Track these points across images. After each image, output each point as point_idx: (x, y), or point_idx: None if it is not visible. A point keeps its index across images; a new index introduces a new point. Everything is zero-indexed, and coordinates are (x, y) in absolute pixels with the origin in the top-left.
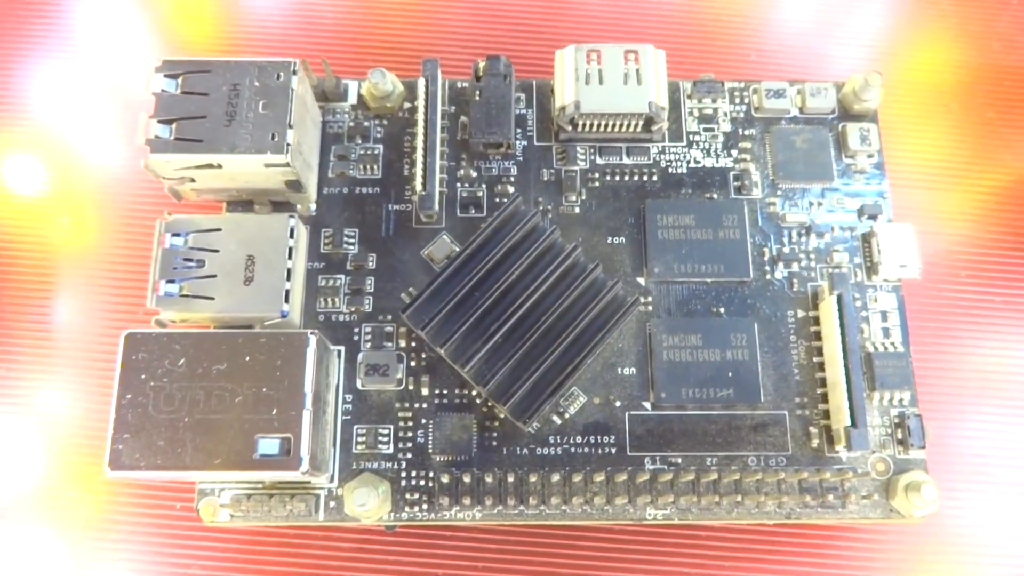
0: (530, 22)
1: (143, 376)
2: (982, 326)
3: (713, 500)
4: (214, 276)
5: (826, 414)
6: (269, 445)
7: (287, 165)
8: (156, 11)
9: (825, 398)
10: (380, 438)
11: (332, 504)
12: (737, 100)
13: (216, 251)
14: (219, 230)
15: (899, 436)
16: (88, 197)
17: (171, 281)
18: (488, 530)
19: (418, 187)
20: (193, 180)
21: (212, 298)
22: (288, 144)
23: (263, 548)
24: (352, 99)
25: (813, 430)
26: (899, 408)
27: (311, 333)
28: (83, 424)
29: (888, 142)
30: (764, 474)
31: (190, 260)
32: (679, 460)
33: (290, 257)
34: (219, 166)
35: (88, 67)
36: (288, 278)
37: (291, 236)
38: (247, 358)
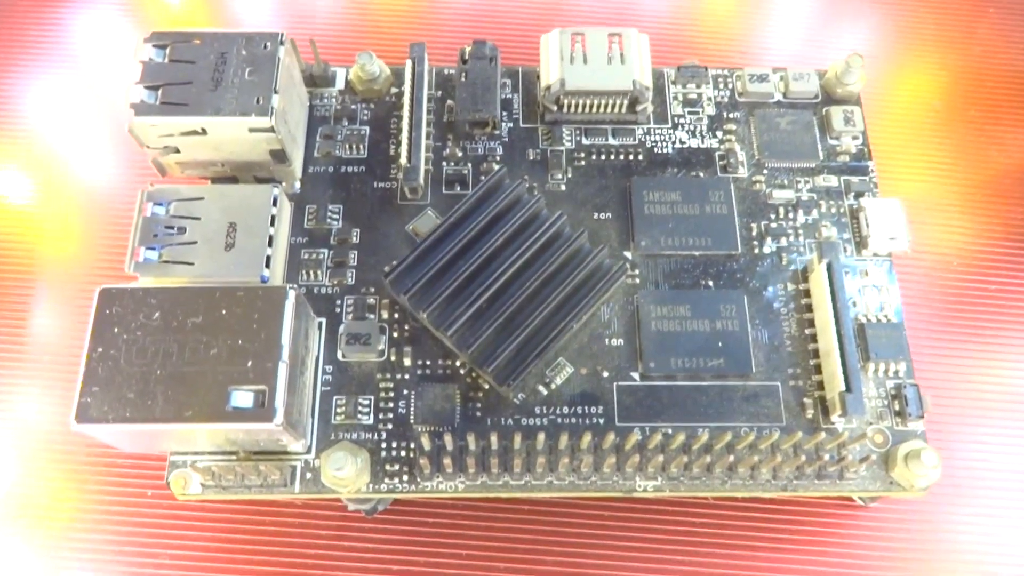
0: (517, 12)
1: (116, 330)
2: (976, 314)
3: (704, 464)
4: (194, 242)
5: (820, 385)
6: (243, 397)
7: (271, 130)
8: (152, 25)
9: (819, 369)
10: (360, 408)
11: (309, 476)
12: (721, 85)
13: (198, 219)
14: (202, 199)
15: (896, 408)
16: (76, 210)
17: (151, 248)
18: (472, 514)
19: (403, 160)
20: (178, 151)
21: (192, 263)
22: (273, 108)
23: (239, 536)
24: (340, 85)
25: (807, 400)
26: (895, 380)
27: (291, 287)
28: (58, 430)
29: (872, 135)
30: (758, 439)
31: (171, 228)
32: (669, 431)
33: (272, 225)
34: (204, 132)
35: (83, 81)
36: (270, 244)
37: (274, 205)
38: (223, 311)
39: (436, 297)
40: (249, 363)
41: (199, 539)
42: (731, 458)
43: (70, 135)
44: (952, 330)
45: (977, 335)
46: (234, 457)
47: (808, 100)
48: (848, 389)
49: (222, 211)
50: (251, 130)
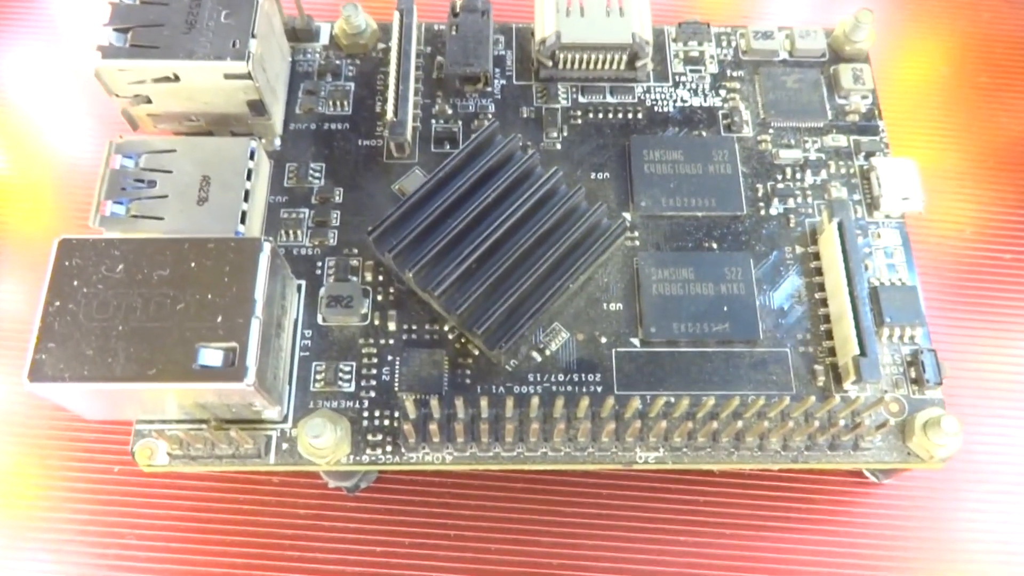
0: None
1: (75, 283)
2: (991, 285)
3: (710, 433)
4: (165, 196)
5: (831, 352)
6: (211, 355)
7: (248, 76)
8: None
9: (829, 335)
10: (341, 375)
11: (285, 446)
12: (724, 44)
13: (169, 172)
14: (174, 151)
15: (912, 375)
16: (47, 180)
17: (119, 202)
18: (460, 492)
19: (389, 114)
20: (149, 101)
21: (161, 218)
22: (250, 53)
23: (210, 516)
24: (324, 40)
25: (818, 368)
26: (911, 346)
27: (266, 239)
28: (18, 403)
29: (880, 101)
30: (767, 406)
31: (140, 181)
32: (672, 400)
33: (249, 179)
34: (176, 78)
35: (62, 53)
36: (246, 199)
37: (251, 158)
38: (192, 264)
39: (422, 256)
40: (219, 319)
41: (168, 518)
42: (739, 424)
43: (44, 103)
44: (967, 301)
45: (993, 306)
46: (205, 427)
47: (815, 59)
48: (862, 353)
49: (195, 164)
50: (227, 76)
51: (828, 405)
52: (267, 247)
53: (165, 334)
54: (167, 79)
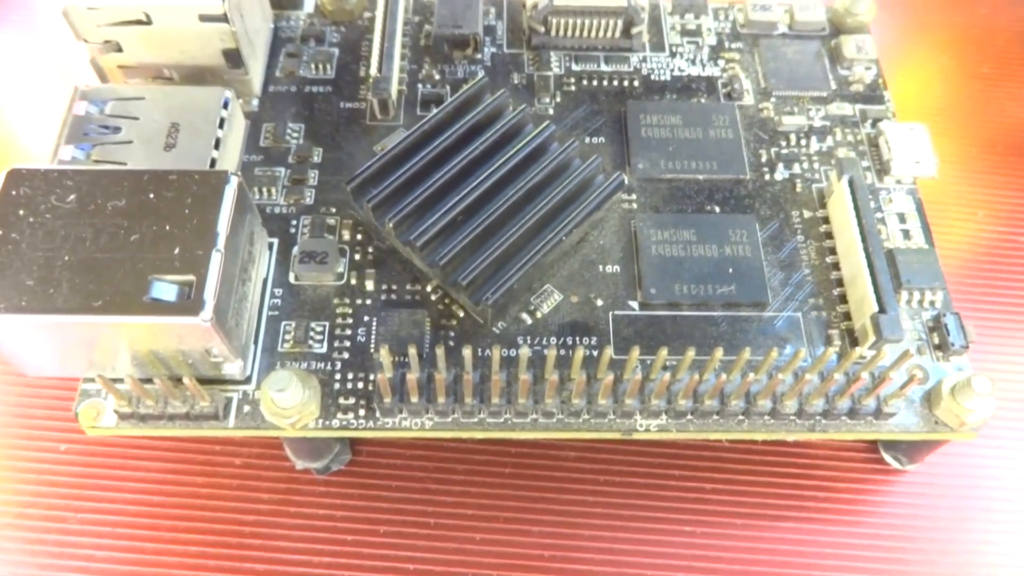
0: None
1: (21, 212)
2: (1008, 264)
3: (718, 389)
4: (130, 142)
5: (846, 316)
6: (166, 289)
7: (224, 19)
8: None
9: (844, 299)
10: (313, 335)
11: (247, 409)
12: (722, 18)
13: (136, 119)
14: (142, 99)
15: (935, 341)
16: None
17: (80, 148)
18: (441, 476)
19: (373, 70)
20: (120, 50)
21: (124, 164)
22: None
23: (164, 499)
24: (309, 9)
25: (833, 332)
26: (932, 311)
27: (233, 173)
28: None
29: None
30: (782, 359)
31: (105, 128)
32: (674, 364)
33: (221, 128)
34: (149, 20)
35: (40, 47)
36: (216, 148)
37: (225, 108)
38: (151, 195)
39: (404, 207)
40: (176, 250)
41: (116, 501)
42: (751, 376)
43: (20, 100)
44: (984, 282)
45: (1012, 287)
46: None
47: (815, 33)
48: (882, 310)
49: (164, 112)
50: (202, 18)
51: (849, 359)
52: (234, 180)
53: (116, 265)
54: (139, 21)
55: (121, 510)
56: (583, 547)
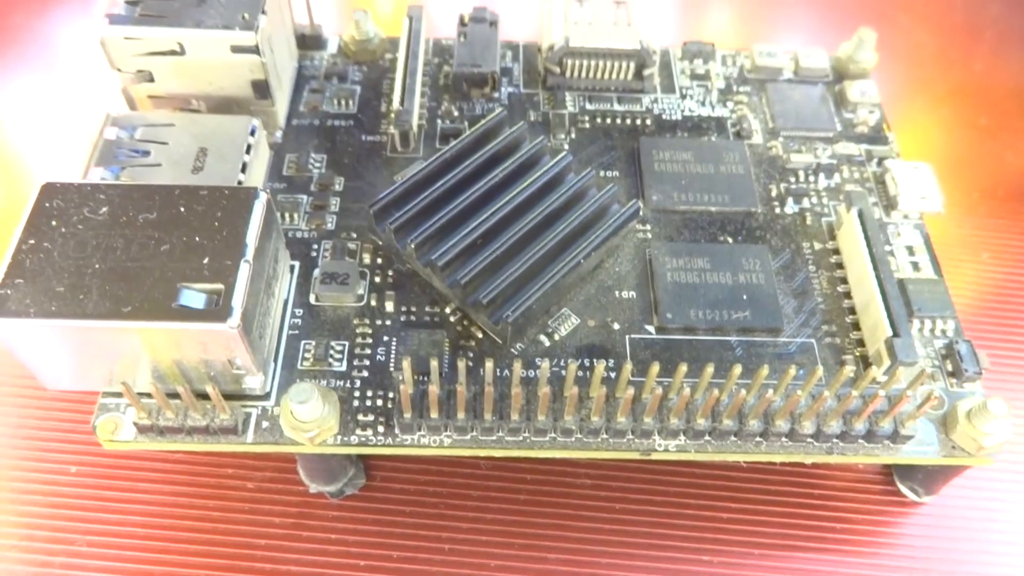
0: None
1: (54, 223)
2: (1015, 304)
3: (736, 409)
4: (158, 165)
5: (859, 343)
6: (194, 297)
7: (256, 50)
8: None
9: (856, 326)
10: (333, 353)
11: (266, 425)
12: (729, 63)
13: (165, 143)
14: (172, 125)
15: (949, 368)
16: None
17: (109, 170)
18: (456, 502)
19: (395, 103)
20: (152, 80)
21: None
22: (259, 26)
23: (174, 523)
24: (332, 50)
25: (847, 358)
26: (943, 339)
27: (262, 190)
28: None
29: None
30: (800, 379)
31: (135, 152)
32: (693, 384)
33: (248, 153)
34: (182, 50)
35: (60, 84)
36: (243, 171)
37: (252, 135)
38: (181, 209)
39: (425, 230)
40: (205, 260)
41: (126, 524)
42: (769, 393)
43: (37, 133)
44: (992, 321)
45: (1019, 325)
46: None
47: (820, 78)
48: (896, 334)
49: (193, 137)
50: (234, 49)
51: (865, 380)
52: (263, 196)
53: (145, 274)
54: (173, 52)
55: (131, 533)
56: (599, 575)
